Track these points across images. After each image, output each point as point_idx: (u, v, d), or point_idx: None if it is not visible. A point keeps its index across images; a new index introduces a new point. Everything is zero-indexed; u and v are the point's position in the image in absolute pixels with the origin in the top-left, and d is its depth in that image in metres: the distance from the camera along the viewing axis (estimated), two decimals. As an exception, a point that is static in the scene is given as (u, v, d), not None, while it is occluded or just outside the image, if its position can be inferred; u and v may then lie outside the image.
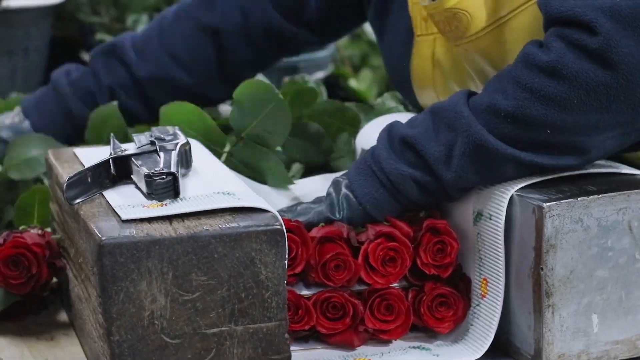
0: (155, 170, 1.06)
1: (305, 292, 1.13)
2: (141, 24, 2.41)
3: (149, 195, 1.06)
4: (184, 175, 1.11)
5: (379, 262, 1.13)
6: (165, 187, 1.06)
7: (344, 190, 1.16)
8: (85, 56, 2.48)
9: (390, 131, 1.17)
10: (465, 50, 1.22)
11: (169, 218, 1.03)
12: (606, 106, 1.07)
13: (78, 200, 1.08)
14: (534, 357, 1.09)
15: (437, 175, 1.13)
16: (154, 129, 1.16)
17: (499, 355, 1.13)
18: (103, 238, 0.99)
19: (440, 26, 1.23)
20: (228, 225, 1.01)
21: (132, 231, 1.00)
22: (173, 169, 1.07)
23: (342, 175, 1.19)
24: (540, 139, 1.10)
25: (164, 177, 1.06)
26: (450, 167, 1.12)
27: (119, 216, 1.03)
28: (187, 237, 1.00)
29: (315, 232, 1.13)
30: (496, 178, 1.13)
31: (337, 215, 1.16)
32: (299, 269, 1.11)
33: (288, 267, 1.07)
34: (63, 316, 1.24)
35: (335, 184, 1.18)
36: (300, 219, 1.15)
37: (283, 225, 1.03)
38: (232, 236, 1.01)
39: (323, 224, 1.15)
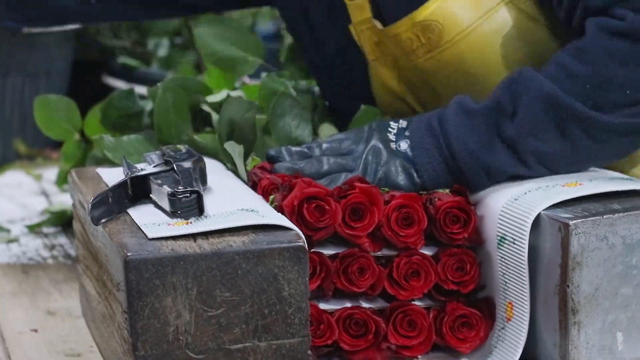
0: (179, 189, 1.07)
1: (326, 307, 1.13)
2: (162, 48, 2.44)
3: (173, 214, 1.06)
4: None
5: (402, 277, 1.13)
6: (189, 205, 1.06)
7: (403, 151, 1.19)
8: (107, 79, 2.51)
9: (461, 104, 1.18)
10: (437, 63, 1.25)
11: (193, 235, 1.03)
12: None
13: (103, 221, 1.08)
14: (560, 375, 1.09)
15: (503, 131, 1.15)
16: (164, 148, 1.17)
17: (525, 374, 1.12)
18: (129, 254, 0.99)
19: (407, 44, 1.25)
20: (252, 242, 1.02)
21: (157, 247, 1.01)
22: (196, 187, 1.08)
23: (395, 131, 1.21)
24: (618, 100, 1.13)
25: (188, 195, 1.06)
26: (514, 121, 1.15)
27: (144, 234, 1.04)
28: (212, 254, 1.00)
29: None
30: (561, 142, 1.16)
31: (371, 178, 1.17)
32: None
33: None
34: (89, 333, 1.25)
35: (383, 140, 1.21)
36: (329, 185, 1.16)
37: (305, 243, 1.03)
38: (256, 253, 1.01)
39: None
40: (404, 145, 1.20)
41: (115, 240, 1.03)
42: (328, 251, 1.12)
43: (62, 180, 1.59)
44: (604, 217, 1.08)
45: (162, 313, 1.00)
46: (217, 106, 1.41)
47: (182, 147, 1.17)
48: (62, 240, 1.58)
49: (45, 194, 1.80)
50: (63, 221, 1.61)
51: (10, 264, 1.49)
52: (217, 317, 1.01)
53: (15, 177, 1.92)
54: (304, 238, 1.03)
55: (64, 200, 1.69)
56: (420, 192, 1.18)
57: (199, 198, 1.06)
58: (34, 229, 1.61)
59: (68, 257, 1.51)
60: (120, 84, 2.42)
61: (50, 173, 1.91)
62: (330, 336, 1.11)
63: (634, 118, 1.14)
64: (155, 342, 1.00)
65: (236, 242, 1.02)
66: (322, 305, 1.12)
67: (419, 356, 1.14)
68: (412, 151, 1.19)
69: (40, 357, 1.19)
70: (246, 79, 1.67)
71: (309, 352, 1.03)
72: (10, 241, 1.57)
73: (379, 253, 1.14)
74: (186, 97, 1.37)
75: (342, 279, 1.12)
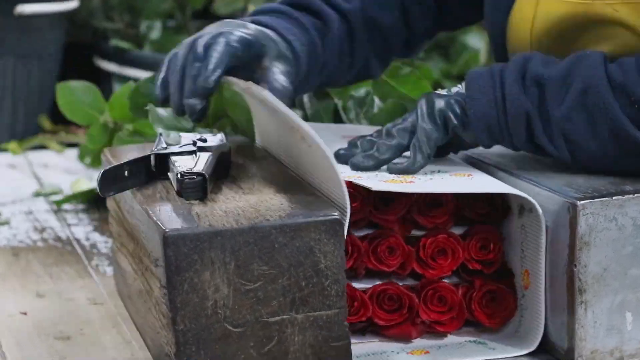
0: (187, 170, 1.08)
1: (358, 286, 1.14)
2: (155, 30, 2.44)
3: (178, 194, 1.08)
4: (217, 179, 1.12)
5: (428, 256, 1.14)
6: (193, 187, 1.07)
7: (455, 100, 1.15)
8: (99, 62, 2.51)
9: (524, 66, 1.15)
10: (600, 12, 1.15)
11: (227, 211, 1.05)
12: None
13: (111, 193, 1.09)
14: (567, 353, 1.10)
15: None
16: (200, 130, 1.19)
17: (537, 352, 1.14)
18: (167, 230, 1.01)
19: None
20: (288, 216, 1.03)
21: (194, 223, 1.02)
22: (203, 169, 1.08)
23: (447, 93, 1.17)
24: None
25: (194, 177, 1.07)
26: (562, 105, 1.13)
27: (180, 209, 1.05)
28: (248, 228, 1.02)
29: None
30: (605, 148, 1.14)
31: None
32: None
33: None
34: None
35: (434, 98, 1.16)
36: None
37: (341, 216, 1.04)
38: (292, 226, 1.03)
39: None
40: (454, 89, 1.18)
41: (153, 216, 1.05)
42: (359, 233, 1.14)
43: (83, 156, 1.62)
44: (613, 198, 1.09)
45: (201, 287, 1.01)
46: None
47: (219, 133, 1.18)
48: (53, 223, 1.57)
49: (36, 176, 1.80)
50: (89, 199, 1.61)
51: (0, 246, 1.48)
52: (255, 290, 1.02)
53: (6, 159, 1.91)
54: (340, 211, 1.05)
55: (55, 183, 1.70)
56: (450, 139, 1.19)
57: (204, 181, 1.07)
58: (60, 205, 1.62)
59: (58, 240, 1.50)
60: (112, 67, 2.42)
61: (37, 157, 1.92)
62: (364, 313, 1.12)
63: None
64: (194, 316, 1.01)
65: (272, 216, 1.04)
66: (355, 285, 1.13)
67: (449, 332, 1.16)
68: (466, 89, 1.15)
69: (29, 339, 1.18)
70: None
71: (346, 322, 1.05)
72: (1, 224, 1.56)
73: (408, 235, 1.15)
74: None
75: (372, 259, 1.13)
